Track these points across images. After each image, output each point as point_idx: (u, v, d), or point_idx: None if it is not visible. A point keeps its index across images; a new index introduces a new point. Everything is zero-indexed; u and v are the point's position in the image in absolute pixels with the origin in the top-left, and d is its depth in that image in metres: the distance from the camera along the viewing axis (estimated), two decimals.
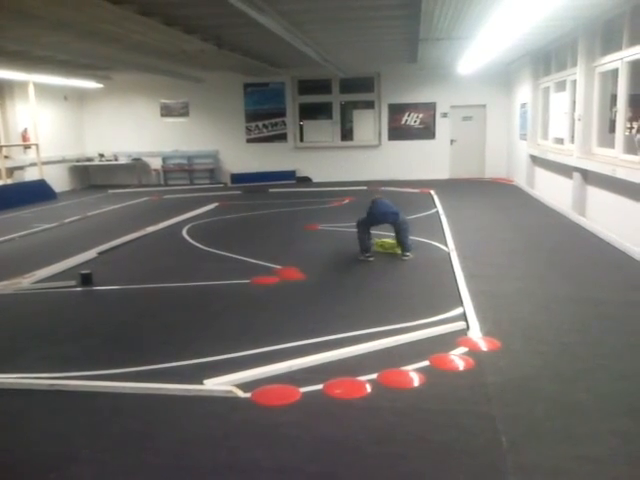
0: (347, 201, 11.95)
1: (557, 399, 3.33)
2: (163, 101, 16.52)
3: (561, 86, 10.68)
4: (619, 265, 6.35)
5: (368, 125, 16.19)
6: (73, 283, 6.05)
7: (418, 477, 2.65)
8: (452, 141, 15.88)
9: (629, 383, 3.51)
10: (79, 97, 16.48)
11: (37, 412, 3.38)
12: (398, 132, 16.00)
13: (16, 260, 7.34)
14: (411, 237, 7.02)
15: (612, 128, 8.26)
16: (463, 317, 4.67)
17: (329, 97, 16.18)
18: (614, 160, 7.65)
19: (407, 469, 2.71)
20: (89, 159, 16.56)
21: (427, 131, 15.91)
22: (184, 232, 8.93)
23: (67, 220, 10.30)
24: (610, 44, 8.17)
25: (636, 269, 6.16)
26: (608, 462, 2.71)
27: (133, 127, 16.55)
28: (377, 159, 16.06)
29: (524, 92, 13.32)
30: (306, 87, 16.18)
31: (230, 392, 3.47)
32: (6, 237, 8.80)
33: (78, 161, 16.28)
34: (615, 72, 7.90)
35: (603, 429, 3.00)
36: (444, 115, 15.76)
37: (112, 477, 2.73)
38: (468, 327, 4.44)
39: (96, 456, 2.90)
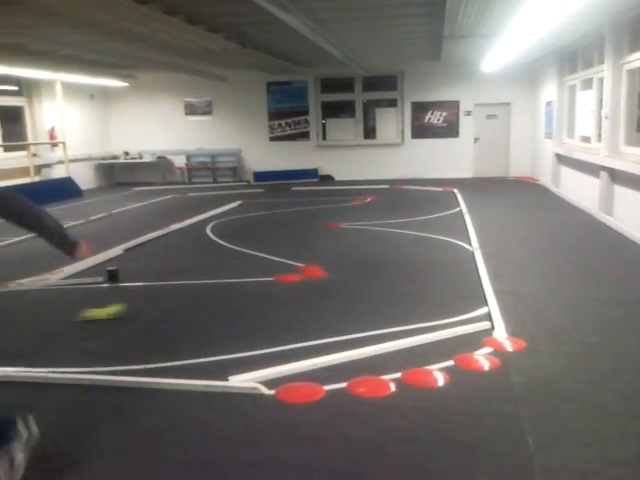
0: (369, 200, 11.92)
1: (583, 400, 3.29)
2: (187, 99, 16.66)
3: (588, 84, 10.52)
4: None
5: (391, 123, 16.13)
6: (100, 279, 6.14)
7: (443, 477, 2.64)
8: (476, 139, 15.74)
9: None
10: (105, 96, 16.70)
11: (64, 406, 3.44)
12: (421, 130, 15.91)
13: (44, 257, 7.44)
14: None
15: None
16: (488, 317, 4.64)
17: (352, 95, 16.15)
18: None
19: (432, 469, 2.70)
20: (114, 157, 16.77)
21: (450, 129, 15.79)
22: (208, 230, 8.99)
23: (93, 217, 10.45)
24: (638, 40, 8.03)
25: None
26: (636, 465, 2.67)
27: (157, 125, 16.71)
28: (400, 157, 16.00)
29: (549, 90, 13.14)
30: (329, 85, 16.18)
31: (255, 389, 3.50)
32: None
33: (104, 159, 16.49)
34: None
35: (631, 431, 2.95)
36: (468, 113, 15.63)
37: (137, 471, 2.76)
38: (493, 327, 4.40)
39: (121, 450, 2.94)
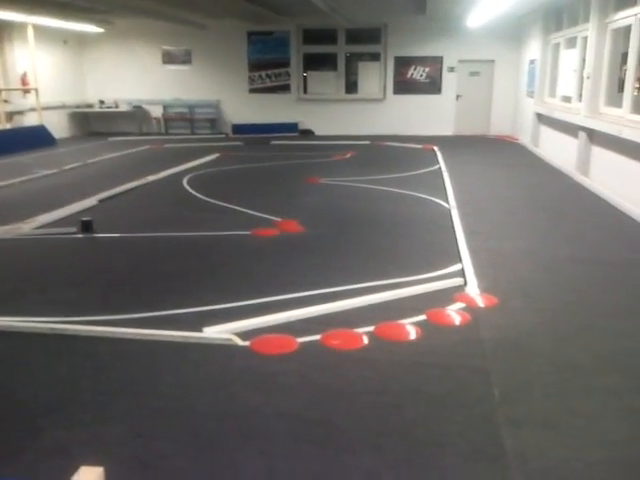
0: (349, 155, 11.85)
1: (552, 356, 3.38)
2: (165, 48, 16.19)
3: (572, 42, 10.45)
4: (621, 226, 6.35)
5: (373, 78, 15.91)
6: (74, 230, 6.06)
7: (412, 426, 2.71)
8: (458, 96, 15.64)
9: (624, 342, 3.55)
10: (79, 42, 16.13)
11: (38, 355, 3.44)
12: (403, 86, 15.74)
13: (16, 205, 7.33)
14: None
15: (621, 87, 8.12)
16: (461, 273, 4.70)
17: (334, 48, 15.85)
18: (621, 120, 7.55)
19: (401, 418, 2.77)
20: (89, 105, 16.34)
21: (433, 86, 15.65)
22: (185, 182, 8.88)
23: (67, 167, 10.24)
24: None
25: (637, 230, 6.16)
26: (597, 417, 2.77)
27: (134, 74, 16.27)
28: (381, 113, 15.86)
29: (534, 48, 13.04)
30: (311, 37, 15.83)
31: (229, 340, 3.52)
32: (6, 182, 8.76)
33: (78, 107, 16.06)
34: (628, 29, 7.71)
35: (595, 385, 3.05)
36: (451, 70, 15.47)
37: (112, 418, 2.79)
38: (466, 283, 4.47)
39: (97, 398, 2.96)
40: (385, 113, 15.84)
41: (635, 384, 3.06)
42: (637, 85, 7.71)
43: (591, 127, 8.49)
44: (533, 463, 2.44)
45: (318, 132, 15.96)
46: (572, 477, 2.36)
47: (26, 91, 13.84)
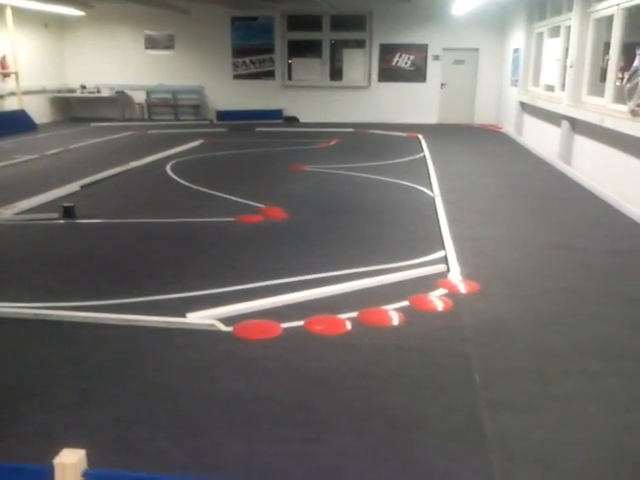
0: (334, 143, 11.84)
1: (531, 341, 3.43)
2: (148, 32, 15.99)
3: (555, 32, 10.50)
4: (601, 214, 6.43)
5: (358, 65, 15.87)
6: (55, 215, 6.00)
7: (393, 410, 2.74)
8: (442, 85, 15.65)
9: (602, 327, 3.61)
10: (60, 25, 15.87)
11: (20, 340, 3.41)
12: (388, 74, 15.72)
13: None
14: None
15: (603, 77, 8.19)
16: (444, 260, 4.74)
17: (319, 34, 15.75)
18: (603, 109, 7.62)
19: (382, 402, 2.80)
20: (71, 90, 16.11)
21: (418, 73, 15.65)
22: (168, 168, 8.82)
23: (49, 152, 10.11)
24: None
25: (617, 219, 6.25)
26: (575, 399, 2.83)
27: (116, 59, 16.06)
28: (366, 101, 15.83)
29: (518, 37, 13.08)
30: (296, 23, 15.72)
31: (212, 325, 3.53)
32: None
33: (59, 92, 15.83)
34: (610, 19, 7.76)
35: (573, 369, 3.11)
36: (436, 58, 15.48)
37: (95, 403, 2.79)
38: (448, 270, 4.50)
39: (79, 383, 2.95)
40: (370, 101, 15.81)
41: (612, 367, 3.12)
42: (619, 75, 7.78)
43: (574, 116, 8.55)
44: (512, 445, 2.48)
45: (303, 119, 15.91)
46: (549, 458, 2.40)
47: (5, 75, 13.60)
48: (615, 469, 2.35)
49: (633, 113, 6.54)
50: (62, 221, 5.91)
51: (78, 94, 16.07)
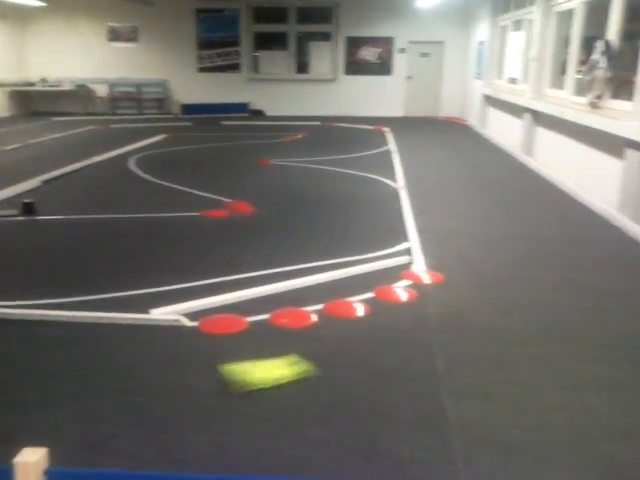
0: (300, 136, 11.82)
1: (493, 329, 3.50)
2: (111, 24, 15.69)
3: (518, 25, 10.65)
4: (561, 205, 6.58)
5: (324, 58, 15.86)
6: (15, 212, 5.86)
7: (357, 398, 2.77)
8: (408, 78, 15.75)
9: (562, 315, 3.70)
10: (20, 16, 15.44)
11: None
12: (355, 67, 15.76)
13: None
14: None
15: (565, 70, 8.34)
16: (408, 252, 4.78)
17: (286, 27, 15.68)
18: (564, 102, 7.78)
19: (347, 391, 2.82)
20: (30, 84, 15.72)
21: (384, 67, 15.72)
22: (131, 163, 8.69)
23: (8, 147, 9.86)
24: None
25: (577, 209, 6.40)
26: (536, 385, 2.90)
27: (78, 51, 15.72)
28: (332, 94, 15.84)
29: (483, 30, 13.23)
30: (262, 15, 15.62)
31: (177, 321, 3.50)
32: None
33: (17, 85, 15.42)
34: (572, 13, 7.90)
35: (533, 355, 3.18)
36: (402, 51, 15.56)
37: (59, 401, 2.74)
38: (413, 261, 4.55)
39: (43, 382, 2.90)
40: (336, 94, 15.83)
41: (570, 353, 3.21)
42: (580, 69, 7.94)
43: (536, 109, 8.71)
44: (474, 430, 2.53)
45: (269, 112, 15.84)
46: (509, 442, 2.46)
47: None
48: (574, 451, 2.42)
49: (592, 105, 6.69)
50: (22, 218, 5.78)
51: (38, 87, 15.69)
